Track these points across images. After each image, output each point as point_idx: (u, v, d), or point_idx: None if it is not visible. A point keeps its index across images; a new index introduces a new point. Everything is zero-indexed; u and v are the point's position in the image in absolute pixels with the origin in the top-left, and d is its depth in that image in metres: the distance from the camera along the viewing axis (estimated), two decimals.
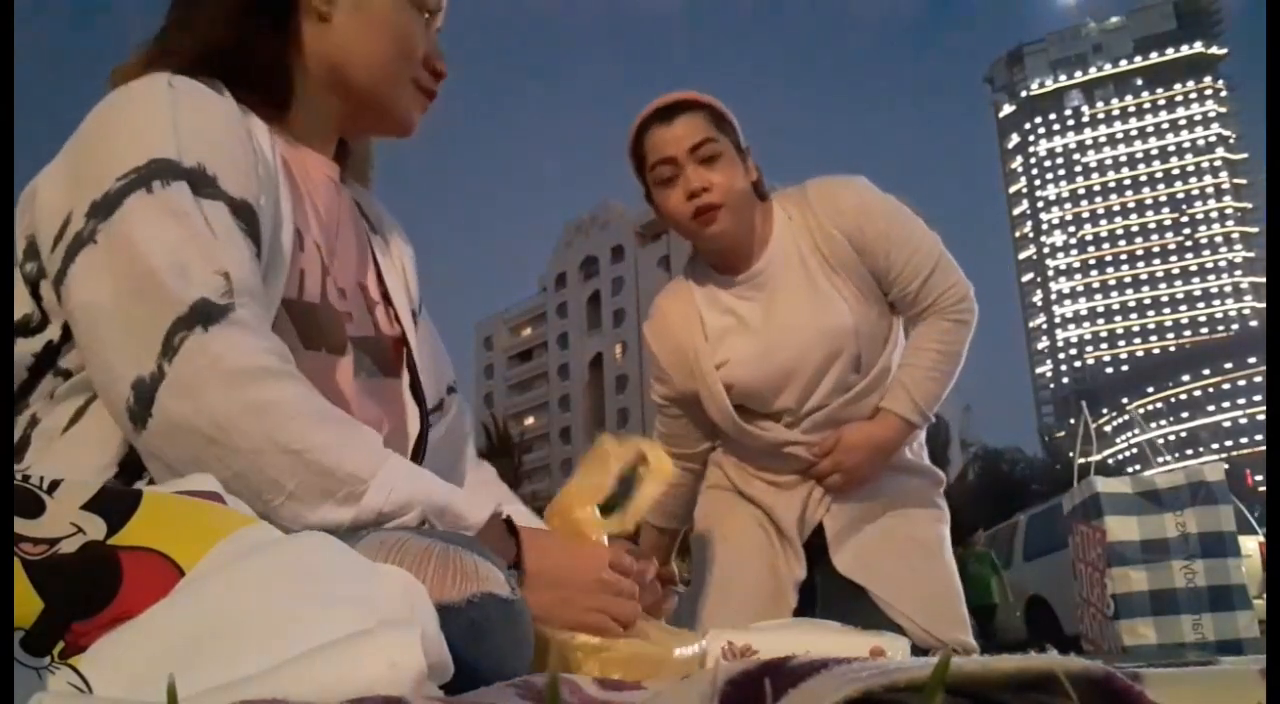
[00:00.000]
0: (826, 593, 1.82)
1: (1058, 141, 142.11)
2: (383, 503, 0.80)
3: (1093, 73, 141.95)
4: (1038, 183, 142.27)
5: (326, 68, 1.01)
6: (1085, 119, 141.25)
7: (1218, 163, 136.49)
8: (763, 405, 1.76)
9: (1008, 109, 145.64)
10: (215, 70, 0.93)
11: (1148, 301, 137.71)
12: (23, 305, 0.89)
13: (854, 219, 1.69)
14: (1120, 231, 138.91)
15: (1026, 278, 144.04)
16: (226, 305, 0.80)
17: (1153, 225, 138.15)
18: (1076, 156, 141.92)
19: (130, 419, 0.79)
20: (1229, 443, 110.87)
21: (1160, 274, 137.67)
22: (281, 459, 0.78)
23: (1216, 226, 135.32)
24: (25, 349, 0.88)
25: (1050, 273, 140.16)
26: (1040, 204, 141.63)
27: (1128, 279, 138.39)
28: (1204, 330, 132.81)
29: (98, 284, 0.80)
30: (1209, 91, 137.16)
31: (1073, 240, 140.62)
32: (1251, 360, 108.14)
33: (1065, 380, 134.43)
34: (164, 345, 0.77)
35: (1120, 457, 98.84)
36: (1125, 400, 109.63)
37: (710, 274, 1.81)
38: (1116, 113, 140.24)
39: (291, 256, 0.92)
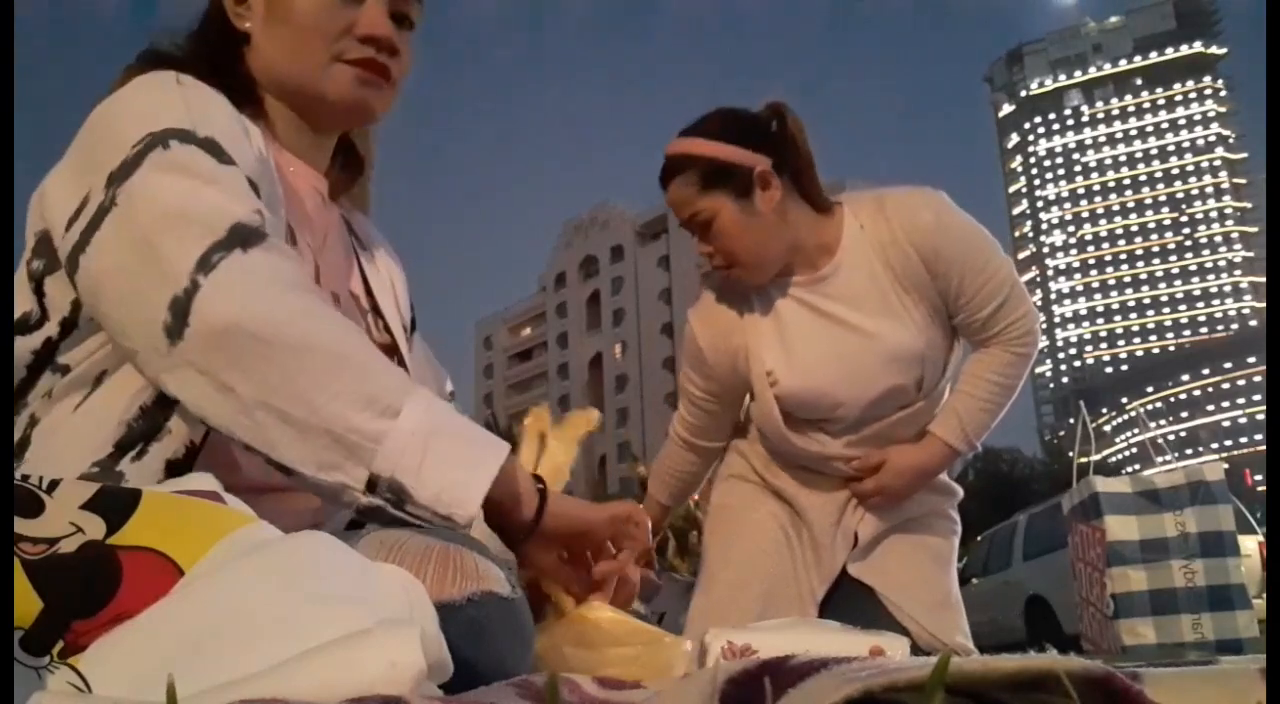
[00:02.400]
0: (836, 602, 1.80)
1: (1057, 141, 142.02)
2: (421, 415, 0.77)
3: (1092, 73, 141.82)
4: (1037, 182, 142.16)
5: (265, 81, 1.01)
6: (1085, 119, 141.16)
7: (1217, 162, 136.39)
8: (814, 414, 1.72)
9: (1007, 109, 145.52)
10: (201, 78, 0.95)
11: (1147, 301, 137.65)
12: (23, 303, 0.89)
13: (931, 238, 1.62)
14: (1120, 231, 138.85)
15: (1026, 277, 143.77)
16: (262, 232, 0.80)
17: (1152, 225, 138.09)
18: (1076, 156, 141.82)
19: (167, 336, 0.76)
20: (1229, 443, 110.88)
21: (1160, 274, 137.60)
22: (330, 360, 0.76)
23: (1216, 226, 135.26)
24: (24, 346, 0.88)
25: (1050, 272, 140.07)
26: (1040, 204, 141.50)
27: (1127, 279, 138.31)
28: (1204, 330, 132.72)
29: (123, 239, 0.80)
30: (1208, 91, 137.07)
31: (1072, 240, 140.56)
32: (1251, 360, 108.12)
33: (1065, 380, 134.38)
34: (199, 263, 0.76)
35: (1120, 456, 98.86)
36: (1125, 400, 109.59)
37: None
38: (1116, 112, 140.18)
39: None
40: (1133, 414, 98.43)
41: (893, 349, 1.65)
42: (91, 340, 0.87)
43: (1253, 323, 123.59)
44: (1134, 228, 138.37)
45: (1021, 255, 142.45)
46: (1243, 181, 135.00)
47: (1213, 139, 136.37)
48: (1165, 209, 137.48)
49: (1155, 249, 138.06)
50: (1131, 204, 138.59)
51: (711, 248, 1.65)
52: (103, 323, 0.84)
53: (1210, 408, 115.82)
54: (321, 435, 0.75)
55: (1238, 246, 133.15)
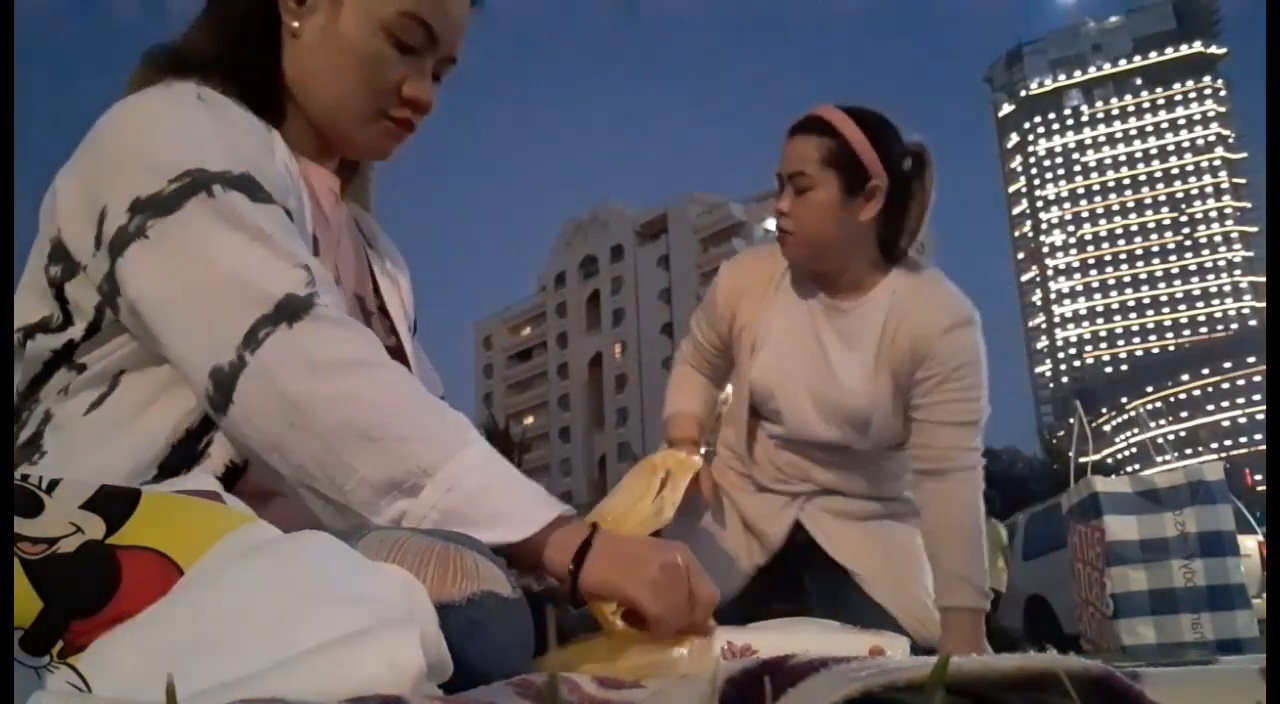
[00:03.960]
0: (818, 593, 1.84)
1: (1057, 141, 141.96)
2: (437, 499, 0.78)
3: (1092, 72, 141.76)
4: (1037, 182, 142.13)
5: (297, 87, 0.98)
6: (1084, 118, 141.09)
7: (1217, 162, 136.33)
8: (762, 410, 1.80)
9: (1007, 108, 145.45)
10: (218, 81, 0.93)
11: (1147, 301, 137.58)
12: (43, 307, 0.89)
13: (935, 339, 1.64)
14: (1120, 231, 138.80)
15: (1026, 277, 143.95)
16: (309, 298, 0.81)
17: (1152, 225, 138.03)
18: (1076, 156, 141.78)
19: (210, 405, 0.81)
20: (1229, 443, 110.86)
21: (1160, 274, 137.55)
22: (357, 445, 0.78)
23: (1216, 226, 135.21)
24: (45, 345, 0.89)
25: (1049, 272, 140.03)
26: (1039, 203, 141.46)
27: (1127, 279, 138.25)
28: (1203, 330, 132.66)
29: (161, 278, 0.81)
30: (1208, 91, 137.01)
31: (1072, 240, 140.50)
32: (1251, 360, 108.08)
33: (1064, 380, 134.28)
34: (246, 338, 0.79)
35: (1120, 456, 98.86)
36: (1125, 400, 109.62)
37: (805, 277, 1.78)
38: (1116, 112, 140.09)
39: None
40: (1132, 414, 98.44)
41: (850, 404, 1.70)
42: (113, 342, 0.87)
43: (1253, 323, 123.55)
44: (1134, 228, 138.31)
45: (1021, 255, 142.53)
46: (1242, 181, 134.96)
47: (1213, 139, 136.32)
48: (1165, 209, 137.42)
49: (1155, 249, 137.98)
50: (1131, 204, 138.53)
51: (790, 209, 1.67)
52: (147, 343, 0.85)
53: (1210, 408, 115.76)
54: (353, 514, 0.79)
55: (1238, 246, 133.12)
